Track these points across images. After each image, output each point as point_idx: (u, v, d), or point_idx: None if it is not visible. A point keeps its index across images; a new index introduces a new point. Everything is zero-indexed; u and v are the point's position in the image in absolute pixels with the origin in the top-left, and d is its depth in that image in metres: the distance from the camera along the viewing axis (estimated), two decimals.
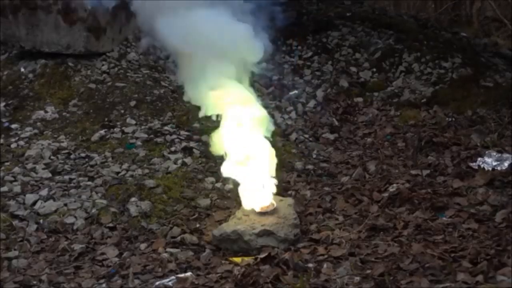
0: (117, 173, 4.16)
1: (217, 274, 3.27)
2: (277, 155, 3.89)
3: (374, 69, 5.53)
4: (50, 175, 4.14)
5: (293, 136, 4.76)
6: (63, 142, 4.47)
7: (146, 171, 4.17)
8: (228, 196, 4.00)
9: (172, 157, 4.30)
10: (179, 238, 3.64)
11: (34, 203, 3.87)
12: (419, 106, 5.05)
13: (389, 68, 5.51)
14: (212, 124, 4.02)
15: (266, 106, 4.06)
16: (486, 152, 4.17)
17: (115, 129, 4.55)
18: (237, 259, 3.40)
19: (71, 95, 4.90)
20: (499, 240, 3.22)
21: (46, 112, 4.79)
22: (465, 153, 4.23)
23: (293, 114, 5.02)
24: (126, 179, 4.07)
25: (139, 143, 4.42)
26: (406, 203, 3.73)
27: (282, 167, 4.18)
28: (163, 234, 3.68)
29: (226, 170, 3.85)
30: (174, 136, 4.49)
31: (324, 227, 3.67)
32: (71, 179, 4.10)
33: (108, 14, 5.09)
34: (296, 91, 5.03)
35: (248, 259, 3.37)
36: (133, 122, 4.63)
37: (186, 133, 4.50)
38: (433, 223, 3.50)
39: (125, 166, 4.22)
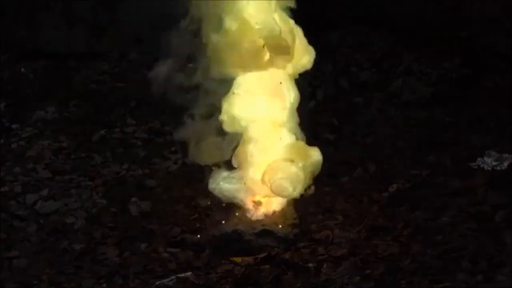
0: (118, 173, 4.17)
1: (217, 274, 3.26)
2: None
3: (374, 69, 5.53)
4: (50, 175, 4.15)
5: None
6: (63, 142, 4.48)
7: (147, 171, 4.17)
8: None
9: (172, 157, 4.31)
10: (179, 238, 3.64)
11: (35, 203, 3.88)
12: (419, 106, 5.05)
13: (389, 68, 5.50)
14: None
15: None
16: (486, 152, 4.16)
17: (115, 129, 4.56)
18: (237, 259, 3.40)
19: (71, 95, 4.91)
20: (499, 240, 3.22)
21: (46, 112, 4.79)
22: (465, 153, 4.23)
23: None
24: (127, 179, 4.08)
25: (139, 143, 4.43)
26: (406, 203, 3.73)
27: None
28: (163, 234, 3.68)
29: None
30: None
31: (324, 227, 3.67)
32: (71, 179, 4.10)
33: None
34: None
35: (248, 259, 3.37)
36: (133, 122, 4.63)
37: None
38: (433, 223, 3.51)
39: (125, 166, 4.23)
